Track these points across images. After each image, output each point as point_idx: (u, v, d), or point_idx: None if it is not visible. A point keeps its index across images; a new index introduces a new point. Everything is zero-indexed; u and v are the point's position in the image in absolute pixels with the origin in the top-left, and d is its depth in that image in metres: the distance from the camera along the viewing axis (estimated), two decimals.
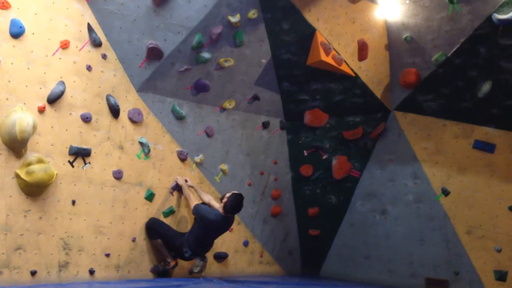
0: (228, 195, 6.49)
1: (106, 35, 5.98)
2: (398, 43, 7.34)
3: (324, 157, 8.05)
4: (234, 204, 6.47)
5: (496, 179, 6.98)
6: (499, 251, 6.86)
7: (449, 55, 6.96)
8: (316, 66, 7.15)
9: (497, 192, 6.95)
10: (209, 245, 6.65)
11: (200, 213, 6.38)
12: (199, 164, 7.07)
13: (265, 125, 7.86)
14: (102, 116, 6.04)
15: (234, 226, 7.39)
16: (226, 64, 6.89)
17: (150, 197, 6.52)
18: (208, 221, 6.36)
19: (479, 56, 6.76)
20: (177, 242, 6.39)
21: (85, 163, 5.86)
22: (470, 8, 6.59)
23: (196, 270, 6.54)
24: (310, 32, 6.96)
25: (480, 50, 6.73)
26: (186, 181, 6.79)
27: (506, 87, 6.74)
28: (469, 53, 6.80)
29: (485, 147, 7.08)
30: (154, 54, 6.25)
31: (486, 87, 6.87)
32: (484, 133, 7.08)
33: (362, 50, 7.31)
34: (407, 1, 6.99)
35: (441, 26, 6.89)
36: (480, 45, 6.70)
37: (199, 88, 6.91)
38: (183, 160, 6.89)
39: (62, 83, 5.58)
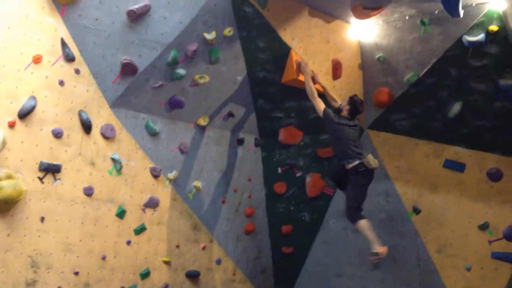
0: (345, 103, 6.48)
1: (79, 50, 5.91)
2: (371, 63, 7.45)
3: (298, 174, 8.07)
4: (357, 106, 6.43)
5: (466, 198, 7.10)
6: (469, 269, 6.95)
7: (420, 75, 7.09)
8: (291, 84, 7.19)
9: (467, 211, 7.06)
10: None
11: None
12: (172, 181, 7.01)
13: (240, 142, 7.85)
14: (74, 131, 5.95)
15: (206, 243, 7.35)
16: (201, 81, 6.88)
17: (121, 214, 6.42)
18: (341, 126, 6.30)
19: (449, 77, 6.91)
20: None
21: (55, 179, 5.75)
22: (441, 30, 6.74)
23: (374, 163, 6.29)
24: (285, 50, 7.01)
25: (451, 71, 6.88)
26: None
27: (476, 108, 6.89)
28: (440, 74, 6.94)
29: (455, 166, 7.21)
30: (128, 69, 6.21)
31: (456, 107, 7.01)
32: (455, 152, 7.21)
33: (336, 69, 7.40)
34: (380, 22, 7.11)
35: (413, 47, 7.02)
36: (451, 66, 6.85)
37: (174, 105, 6.88)
38: (156, 176, 6.82)
39: (34, 98, 5.49)
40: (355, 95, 6.59)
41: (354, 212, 6.41)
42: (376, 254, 6.18)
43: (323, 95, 6.79)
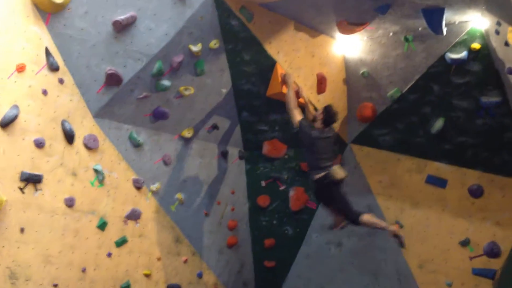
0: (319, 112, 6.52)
1: (64, 60, 5.87)
2: (355, 78, 7.52)
3: (282, 188, 8.07)
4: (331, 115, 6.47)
5: (447, 214, 7.16)
6: (450, 285, 6.98)
7: (404, 91, 7.17)
8: (275, 97, 7.22)
9: (448, 226, 7.11)
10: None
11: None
12: (155, 193, 6.96)
13: (224, 155, 7.84)
14: (56, 141, 5.88)
15: (188, 256, 7.30)
16: (186, 93, 6.87)
17: (102, 226, 6.35)
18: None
19: (432, 93, 6.99)
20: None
21: (36, 190, 5.67)
22: (425, 47, 6.83)
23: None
24: (270, 64, 7.05)
25: (434, 87, 6.96)
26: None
27: (458, 124, 6.97)
28: (423, 90, 7.02)
29: (437, 182, 7.26)
30: (113, 80, 6.17)
31: (439, 123, 7.09)
32: (437, 168, 7.27)
33: (321, 84, 7.45)
34: (365, 38, 7.18)
35: (397, 63, 7.10)
36: (433, 82, 6.93)
37: (158, 116, 6.85)
38: (138, 188, 6.77)
39: (16, 107, 5.42)
40: (330, 105, 6.63)
41: (351, 215, 6.42)
42: (395, 235, 6.18)
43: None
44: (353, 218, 6.37)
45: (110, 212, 6.45)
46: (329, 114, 6.44)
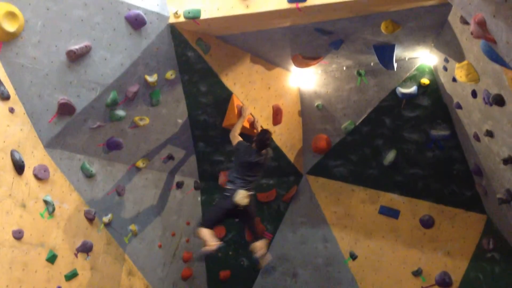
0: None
1: (15, 89, 5.74)
2: (310, 110, 7.64)
3: (237, 219, 8.01)
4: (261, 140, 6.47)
5: (400, 244, 7.27)
6: None
7: (357, 123, 7.32)
8: (232, 128, 7.23)
9: (401, 257, 7.22)
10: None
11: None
12: (107, 224, 6.82)
13: (179, 185, 7.77)
14: (5, 172, 5.70)
15: None
16: (141, 123, 6.82)
17: (52, 258, 6.15)
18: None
19: (384, 126, 7.17)
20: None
21: None
22: (377, 81, 7.03)
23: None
24: (227, 95, 7.09)
25: (386, 120, 7.14)
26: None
27: (409, 156, 7.15)
28: (376, 123, 7.19)
29: (390, 212, 7.39)
30: (65, 109, 6.07)
31: (391, 155, 7.25)
32: (389, 199, 7.41)
33: (277, 115, 7.53)
34: (319, 71, 7.33)
35: (350, 96, 7.27)
36: (385, 115, 7.12)
37: (112, 146, 6.75)
38: (90, 219, 6.61)
39: None
40: (264, 129, 6.73)
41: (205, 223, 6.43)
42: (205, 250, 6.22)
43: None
44: (201, 223, 6.45)
45: (60, 244, 6.26)
46: (259, 137, 6.52)
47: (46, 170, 6.13)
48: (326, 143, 7.60)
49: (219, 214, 6.45)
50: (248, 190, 6.33)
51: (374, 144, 7.32)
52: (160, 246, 7.49)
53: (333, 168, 7.72)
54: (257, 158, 6.45)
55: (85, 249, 6.52)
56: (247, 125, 7.05)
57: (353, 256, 7.47)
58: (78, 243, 6.46)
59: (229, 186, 6.40)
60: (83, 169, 6.55)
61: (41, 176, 6.06)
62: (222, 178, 7.93)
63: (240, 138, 6.66)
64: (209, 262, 8.07)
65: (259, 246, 6.38)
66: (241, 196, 6.25)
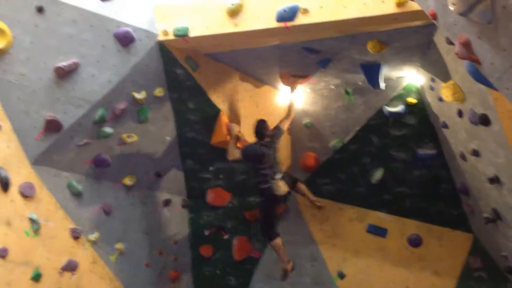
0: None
1: (2, 105, 5.69)
2: (298, 128, 7.67)
3: (225, 237, 7.99)
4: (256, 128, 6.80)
5: (388, 263, 7.26)
6: None
7: (345, 142, 7.35)
8: (220, 145, 7.24)
9: (389, 276, 7.20)
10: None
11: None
12: (93, 243, 6.73)
13: (167, 203, 7.72)
14: None
15: None
16: (129, 140, 6.79)
17: (36, 277, 6.04)
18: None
19: (372, 145, 7.21)
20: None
21: None
22: (364, 100, 7.08)
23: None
24: (215, 112, 7.10)
25: (373, 139, 7.19)
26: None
27: (397, 175, 7.19)
28: (363, 141, 7.24)
29: (377, 231, 7.39)
30: (52, 126, 6.04)
31: (378, 173, 7.28)
32: (377, 217, 7.42)
33: None
34: (308, 90, 7.37)
35: (338, 114, 7.32)
36: (373, 134, 7.17)
37: (99, 163, 6.71)
38: (76, 238, 6.53)
39: None
40: (258, 120, 6.89)
41: (269, 229, 6.79)
42: (285, 272, 6.81)
43: None
44: (268, 234, 6.80)
45: (45, 263, 6.17)
46: (255, 129, 6.81)
47: (32, 187, 6.06)
48: (314, 161, 7.62)
49: (272, 215, 6.83)
50: (280, 178, 6.64)
51: (361, 162, 7.36)
52: (147, 265, 7.41)
53: (321, 186, 7.73)
54: (263, 149, 6.64)
55: (71, 268, 6.43)
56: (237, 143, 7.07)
57: (341, 275, 7.44)
58: (64, 262, 6.36)
59: (263, 186, 6.62)
60: (69, 186, 6.50)
61: (26, 194, 6.00)
62: (210, 195, 7.91)
63: (238, 152, 6.79)
64: (196, 281, 7.99)
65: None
66: (281, 186, 6.62)
